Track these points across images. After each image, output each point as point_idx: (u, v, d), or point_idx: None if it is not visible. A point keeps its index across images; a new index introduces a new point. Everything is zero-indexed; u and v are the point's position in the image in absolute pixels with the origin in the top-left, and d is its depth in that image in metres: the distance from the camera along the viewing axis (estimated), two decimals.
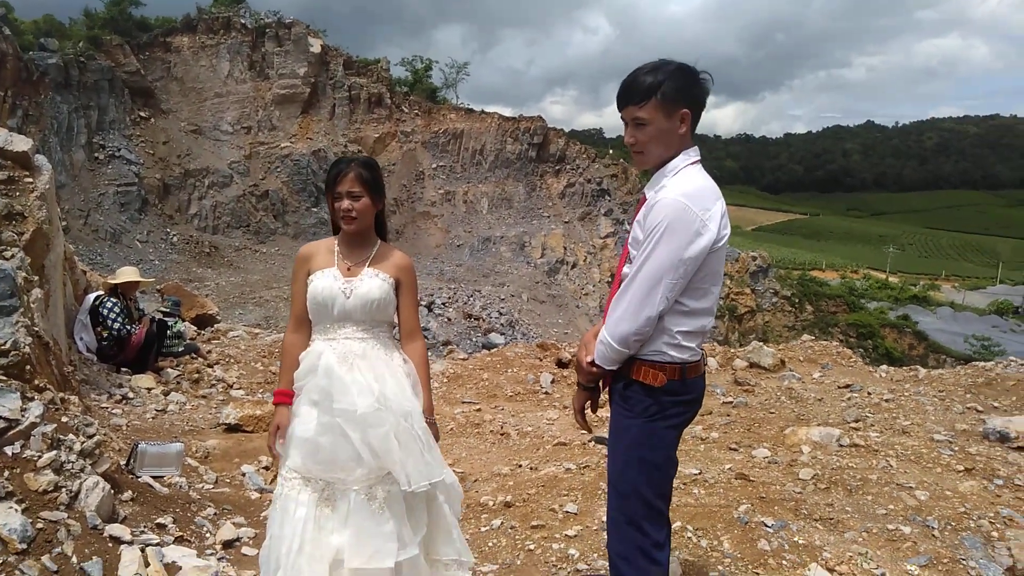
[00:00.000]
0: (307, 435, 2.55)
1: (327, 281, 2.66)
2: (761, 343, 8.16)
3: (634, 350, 2.27)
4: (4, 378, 3.31)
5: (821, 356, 7.94)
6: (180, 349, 7.44)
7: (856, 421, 5.42)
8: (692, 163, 2.27)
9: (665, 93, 2.20)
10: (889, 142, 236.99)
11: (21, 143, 5.07)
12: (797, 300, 47.53)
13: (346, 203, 2.65)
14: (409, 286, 2.77)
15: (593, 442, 5.19)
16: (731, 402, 6.20)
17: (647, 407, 2.30)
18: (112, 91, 35.45)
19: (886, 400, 6.00)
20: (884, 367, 7.91)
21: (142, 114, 37.05)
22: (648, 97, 2.22)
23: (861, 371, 7.52)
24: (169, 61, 38.45)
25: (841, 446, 4.77)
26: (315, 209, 38.46)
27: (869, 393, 6.26)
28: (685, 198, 2.15)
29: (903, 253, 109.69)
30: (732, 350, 8.06)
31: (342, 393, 2.52)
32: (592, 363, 2.36)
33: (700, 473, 4.30)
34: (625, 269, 2.31)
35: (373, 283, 2.66)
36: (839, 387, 6.61)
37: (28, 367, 3.55)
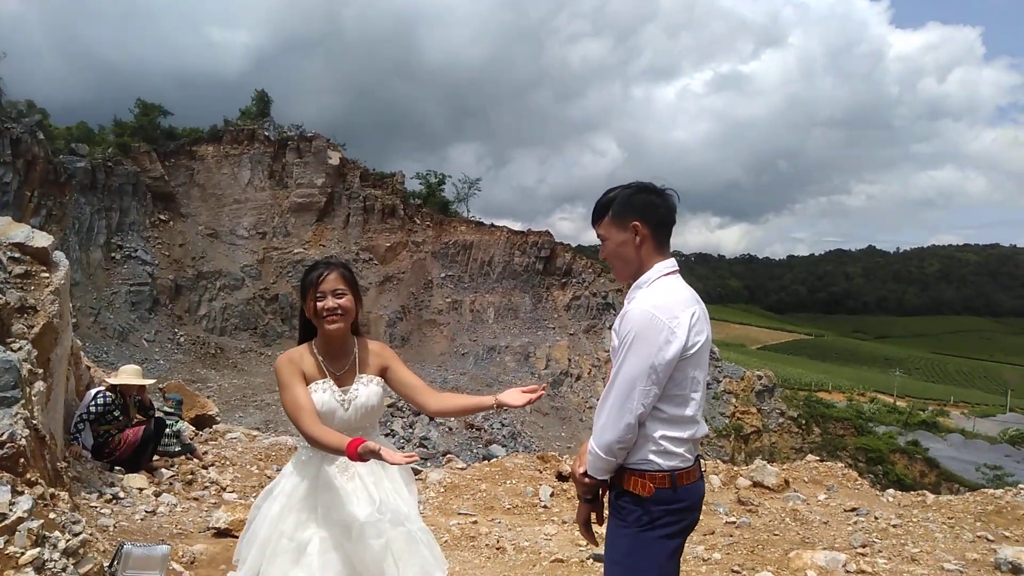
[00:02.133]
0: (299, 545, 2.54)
1: (325, 396, 2.65)
2: (765, 463, 8.02)
3: (620, 458, 2.28)
4: None
5: (826, 477, 7.77)
6: (177, 448, 7.35)
7: (863, 546, 5.25)
8: (666, 274, 2.35)
9: (615, 209, 2.37)
10: (891, 267, 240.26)
11: (42, 239, 5.25)
12: (804, 421, 46.74)
13: (331, 302, 2.63)
14: (395, 362, 2.81)
15: (592, 559, 5.02)
16: (734, 522, 6.03)
17: (638, 517, 2.27)
18: (135, 194, 36.74)
19: (894, 525, 5.83)
20: (891, 491, 7.71)
21: (162, 217, 38.18)
22: (603, 215, 2.41)
23: (867, 494, 7.33)
24: (193, 168, 40.01)
25: (848, 572, 4.61)
26: None
27: (876, 517, 6.09)
28: (653, 308, 2.22)
29: (910, 377, 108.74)
30: (735, 468, 7.91)
31: (342, 504, 2.52)
32: (585, 474, 2.36)
33: None
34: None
35: (369, 391, 2.69)
36: (845, 510, 6.43)
37: (22, 460, 3.53)
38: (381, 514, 2.52)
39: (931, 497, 7.19)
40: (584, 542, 5.65)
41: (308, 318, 2.73)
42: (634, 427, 2.22)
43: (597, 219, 2.43)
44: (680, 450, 2.29)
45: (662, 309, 2.22)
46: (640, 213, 2.35)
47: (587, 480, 2.36)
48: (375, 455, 2.30)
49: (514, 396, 2.52)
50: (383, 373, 2.77)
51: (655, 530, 2.27)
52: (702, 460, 2.50)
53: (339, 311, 2.65)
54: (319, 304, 2.65)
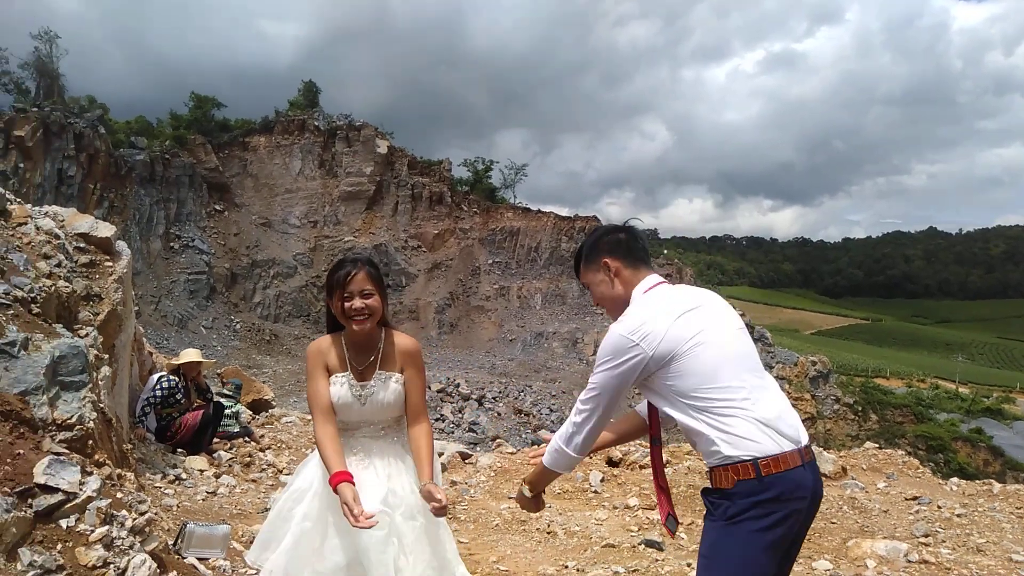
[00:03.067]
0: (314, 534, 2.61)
1: (343, 390, 2.67)
2: (821, 449, 7.84)
3: (585, 454, 2.48)
4: (67, 451, 3.43)
5: (886, 465, 7.56)
6: (236, 429, 7.57)
7: (925, 536, 5.10)
8: (646, 291, 2.45)
9: (585, 256, 2.59)
10: (952, 249, 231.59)
11: (105, 230, 5.43)
12: (860, 408, 45.62)
13: (358, 302, 2.60)
14: (415, 370, 2.75)
15: (644, 544, 4.99)
16: None
17: (724, 510, 2.23)
18: (191, 186, 37.82)
19: (958, 515, 5.64)
20: (955, 480, 7.46)
21: (217, 207, 39.20)
22: (579, 266, 2.63)
23: (930, 483, 7.11)
24: (246, 159, 40.92)
25: (909, 562, 4.48)
26: None
27: (939, 507, 5.90)
28: (620, 329, 2.34)
29: (973, 363, 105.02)
30: None
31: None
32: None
33: None
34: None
35: (387, 388, 2.68)
36: (906, 499, 6.25)
37: (90, 442, 3.66)
38: (389, 506, 2.53)
39: (998, 486, 6.93)
40: (636, 527, 5.63)
41: (334, 315, 2.72)
42: (594, 428, 2.43)
43: (577, 272, 2.64)
44: (755, 437, 2.21)
45: (629, 328, 2.32)
46: (608, 251, 2.51)
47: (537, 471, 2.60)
48: (344, 505, 2.37)
49: (432, 495, 2.50)
50: (403, 371, 2.74)
51: (743, 523, 2.19)
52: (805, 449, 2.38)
53: (366, 311, 2.63)
54: (346, 304, 2.62)
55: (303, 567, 2.60)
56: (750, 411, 2.26)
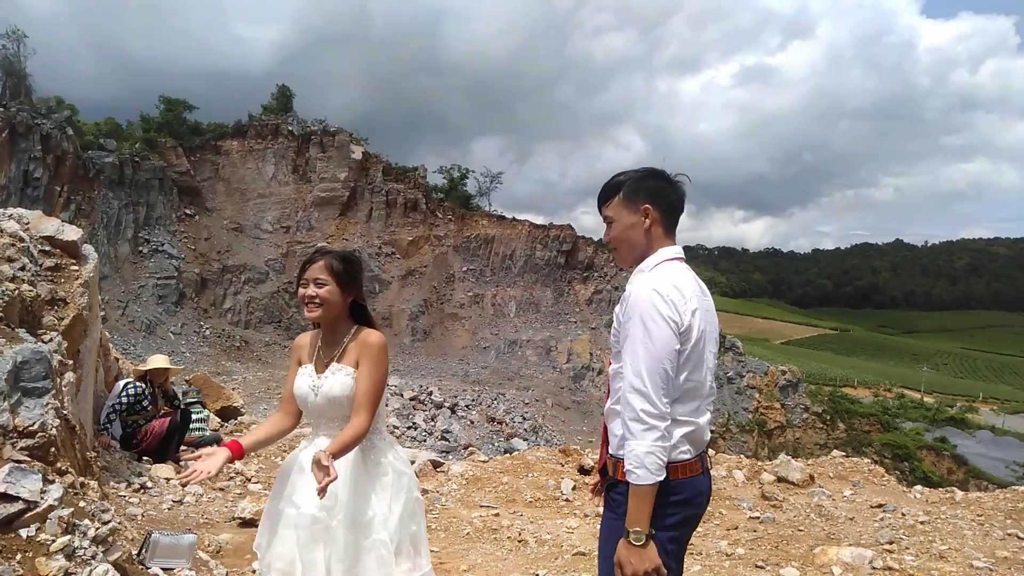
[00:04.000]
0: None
1: (302, 379, 2.72)
2: (789, 458, 7.94)
3: (668, 443, 2.16)
4: (28, 459, 3.35)
5: (852, 473, 7.67)
6: (207, 434, 7.48)
7: (890, 543, 5.18)
8: (670, 259, 2.31)
9: (626, 191, 2.34)
10: (919, 261, 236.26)
11: (71, 233, 5.33)
12: (829, 417, 46.28)
13: (311, 289, 2.66)
14: (368, 362, 2.66)
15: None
16: (758, 517, 5.98)
17: (627, 509, 2.17)
18: (162, 189, 37.28)
19: (921, 522, 5.75)
20: (919, 487, 7.60)
21: (188, 211, 38.69)
22: (612, 196, 2.37)
23: (894, 490, 7.24)
24: (218, 163, 40.47)
25: (874, 568, 4.55)
26: None
27: (903, 514, 6.01)
28: (656, 291, 2.17)
29: (937, 372, 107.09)
30: (759, 463, 7.84)
31: (301, 488, 2.57)
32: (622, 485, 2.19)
33: None
34: (613, 366, 2.33)
35: (335, 380, 2.66)
36: (871, 506, 6.35)
37: (53, 449, 3.59)
38: (327, 511, 2.51)
39: (960, 494, 7.07)
40: None
41: None
42: (669, 412, 2.14)
43: (605, 200, 2.39)
44: (676, 441, 2.20)
45: (668, 290, 2.18)
46: (652, 197, 2.32)
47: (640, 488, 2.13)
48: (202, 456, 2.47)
49: (319, 460, 2.40)
50: (358, 365, 2.72)
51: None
52: (719, 454, 2.42)
53: (316, 300, 2.67)
54: (300, 290, 2.71)
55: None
56: (692, 420, 2.26)
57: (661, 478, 2.12)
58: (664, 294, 2.16)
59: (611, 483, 2.29)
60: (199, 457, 2.50)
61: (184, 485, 2.54)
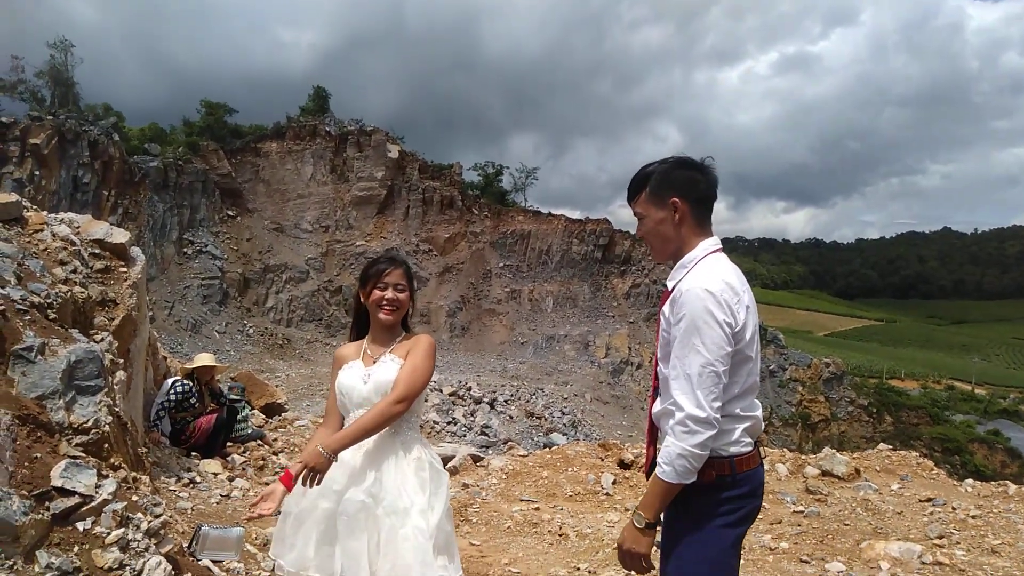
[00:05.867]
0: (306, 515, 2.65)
1: (350, 372, 2.79)
2: (834, 451, 7.79)
3: (708, 450, 2.12)
4: (83, 455, 3.47)
5: (899, 467, 7.50)
6: (250, 431, 7.64)
7: (940, 537, 5.06)
8: (712, 252, 2.24)
9: (652, 186, 2.26)
10: (968, 249, 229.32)
11: (120, 236, 5.49)
12: (875, 410, 45.26)
13: (391, 293, 2.76)
14: (418, 353, 2.74)
15: (656, 547, 4.98)
16: (802, 511, 5.89)
17: (698, 506, 2.20)
18: (204, 192, 38.09)
19: (973, 516, 5.60)
20: (970, 481, 7.40)
21: (230, 213, 39.46)
22: (640, 191, 2.30)
23: (944, 484, 7.06)
24: (258, 164, 41.16)
25: (924, 564, 4.45)
26: None
27: (954, 508, 5.86)
28: (707, 287, 2.11)
29: (989, 363, 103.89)
30: (803, 457, 7.72)
31: (344, 478, 2.62)
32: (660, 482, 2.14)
33: None
34: (661, 367, 2.26)
35: (389, 367, 2.74)
36: (920, 500, 6.21)
37: (106, 446, 3.70)
38: (372, 497, 2.57)
39: (1013, 487, 6.87)
40: None
41: (364, 306, 2.85)
42: (720, 418, 2.10)
43: (633, 196, 2.33)
44: (739, 436, 2.21)
45: (721, 289, 2.12)
46: (679, 189, 2.23)
47: (665, 486, 2.13)
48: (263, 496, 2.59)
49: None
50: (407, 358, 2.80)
51: (715, 519, 2.19)
52: (763, 448, 2.41)
53: (396, 303, 2.78)
54: (379, 292, 2.77)
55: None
56: (749, 413, 2.25)
57: (685, 482, 2.11)
58: (718, 294, 2.11)
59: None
60: (261, 498, 2.61)
61: (250, 519, 2.62)
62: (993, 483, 7.38)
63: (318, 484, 2.54)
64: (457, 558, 2.75)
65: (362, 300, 2.85)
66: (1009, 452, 45.34)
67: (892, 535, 5.17)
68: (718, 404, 2.09)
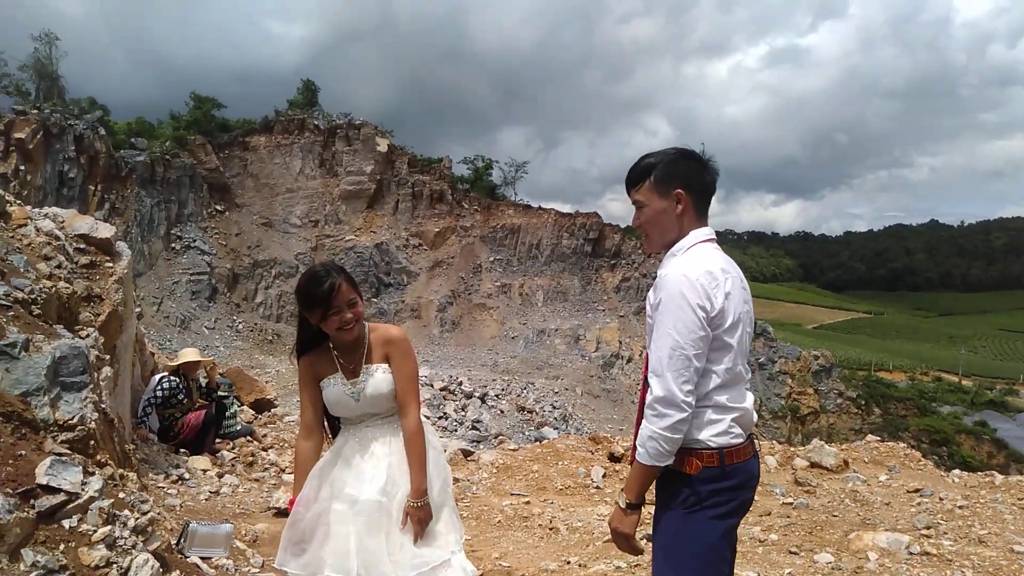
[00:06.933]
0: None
1: (336, 390, 2.73)
2: (823, 443, 7.84)
3: (681, 436, 2.15)
4: (68, 452, 3.44)
5: (887, 458, 7.56)
6: (239, 427, 7.60)
7: (927, 528, 5.10)
8: (702, 241, 2.26)
9: (657, 175, 2.26)
10: (955, 241, 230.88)
11: (105, 231, 5.44)
12: (864, 402, 45.58)
13: (348, 314, 2.63)
14: (399, 356, 2.74)
15: (645, 539, 5.00)
16: (791, 503, 5.92)
17: (685, 498, 2.20)
18: (192, 186, 37.79)
19: (960, 507, 5.65)
20: (957, 472, 7.47)
21: (218, 207, 39.19)
22: (643, 180, 2.30)
23: (932, 475, 7.12)
24: (246, 159, 40.88)
25: (911, 554, 4.48)
26: (376, 299, 39.48)
27: (941, 499, 5.91)
28: (688, 273, 2.13)
29: (976, 355, 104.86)
30: (792, 448, 7.76)
31: (352, 480, 2.64)
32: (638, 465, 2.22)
33: None
34: (648, 354, 2.29)
35: (378, 379, 2.72)
36: (908, 491, 6.26)
37: (92, 442, 3.67)
38: (386, 495, 2.61)
39: (1000, 477, 6.94)
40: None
41: (316, 327, 2.71)
42: (691, 402, 2.12)
43: (635, 184, 2.32)
44: (728, 427, 2.20)
45: (698, 275, 2.13)
46: (684, 181, 2.25)
47: (643, 469, 2.20)
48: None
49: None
50: (387, 360, 2.77)
51: (703, 511, 2.18)
52: (757, 440, 2.41)
53: (356, 318, 2.68)
54: (336, 319, 2.63)
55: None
56: (739, 403, 2.25)
57: (660, 465, 2.16)
58: (693, 279, 2.12)
59: (664, 472, 2.26)
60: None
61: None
62: (980, 473, 7.44)
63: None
64: (460, 532, 2.87)
65: (317, 325, 2.69)
66: (996, 443, 45.80)
67: (880, 526, 5.21)
68: (689, 387, 2.10)
